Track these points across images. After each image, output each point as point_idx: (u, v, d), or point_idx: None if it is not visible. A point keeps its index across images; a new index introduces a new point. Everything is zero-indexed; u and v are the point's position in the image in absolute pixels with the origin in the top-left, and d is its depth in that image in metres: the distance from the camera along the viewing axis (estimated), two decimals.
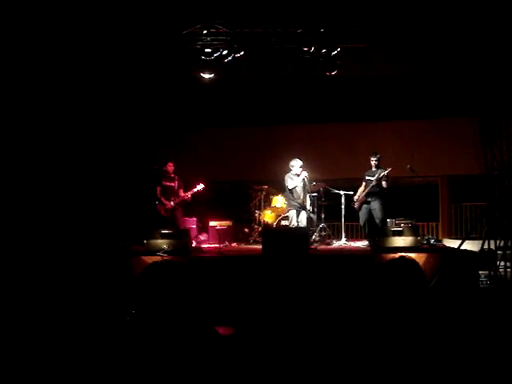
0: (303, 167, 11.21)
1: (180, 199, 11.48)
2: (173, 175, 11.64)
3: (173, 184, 11.58)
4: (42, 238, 9.98)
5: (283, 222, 11.96)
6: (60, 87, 10.77)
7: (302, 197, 11.29)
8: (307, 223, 11.25)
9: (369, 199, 10.95)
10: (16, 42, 9.64)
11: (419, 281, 8.81)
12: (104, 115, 12.13)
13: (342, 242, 12.00)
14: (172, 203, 11.43)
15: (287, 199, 11.64)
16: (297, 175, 11.17)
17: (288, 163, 11.46)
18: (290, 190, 11.32)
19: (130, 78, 12.06)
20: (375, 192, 10.89)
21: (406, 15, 9.82)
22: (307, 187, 11.29)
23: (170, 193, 11.53)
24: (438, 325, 7.89)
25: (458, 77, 11.66)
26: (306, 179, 11.15)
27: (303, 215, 11.30)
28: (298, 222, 11.24)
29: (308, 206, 11.69)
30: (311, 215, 11.91)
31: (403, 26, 10.05)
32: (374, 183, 10.79)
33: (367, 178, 11.08)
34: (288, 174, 11.34)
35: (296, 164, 11.22)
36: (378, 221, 10.85)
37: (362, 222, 11.25)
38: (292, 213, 11.34)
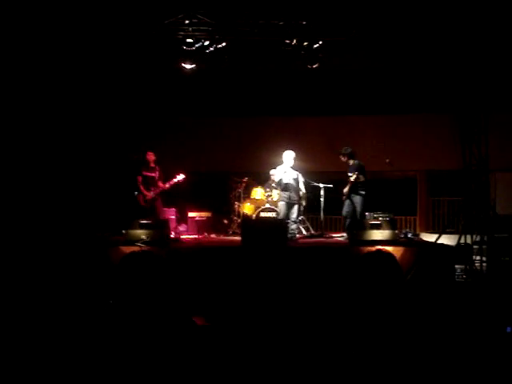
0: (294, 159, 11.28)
1: (160, 189, 11.46)
2: (153, 165, 11.61)
3: (153, 174, 11.54)
4: (20, 227, 9.92)
5: (263, 214, 11.98)
6: (39, 74, 10.66)
7: (291, 192, 11.26)
8: (296, 213, 11.30)
9: (352, 194, 10.95)
10: None
11: (395, 274, 8.89)
12: (84, 104, 12.04)
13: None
14: (152, 193, 11.40)
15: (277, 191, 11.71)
16: (286, 169, 11.19)
17: (268, 155, 11.50)
18: (277, 182, 11.35)
19: (111, 66, 11.97)
20: (356, 189, 10.88)
21: (387, 10, 9.85)
22: (299, 184, 11.40)
23: (150, 183, 11.50)
24: (413, 317, 7.96)
25: (438, 73, 11.75)
26: (298, 177, 11.24)
27: (295, 209, 11.27)
28: (286, 214, 11.20)
29: (303, 202, 11.84)
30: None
31: (384, 21, 10.07)
32: (352, 178, 10.79)
33: (348, 174, 11.08)
34: (278, 167, 11.35)
35: (286, 155, 11.21)
36: (358, 214, 10.87)
37: (344, 213, 11.20)
38: (281, 204, 11.31)
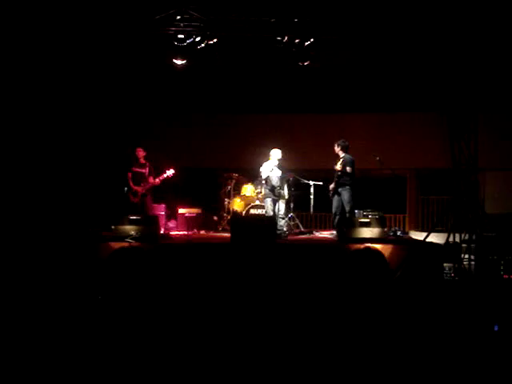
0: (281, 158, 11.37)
1: (150, 185, 11.43)
2: (143, 161, 11.58)
3: (143, 170, 11.52)
4: (11, 222, 9.88)
5: (253, 211, 12.00)
6: (32, 70, 10.63)
7: (277, 186, 11.32)
8: (284, 211, 11.36)
9: (339, 189, 10.96)
10: None
11: (384, 271, 8.92)
12: (76, 100, 12.00)
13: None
14: (142, 189, 11.38)
15: (264, 188, 11.73)
16: (272, 166, 11.27)
17: (259, 152, 11.52)
18: (263, 179, 11.40)
19: (103, 62, 11.93)
20: (344, 181, 10.90)
21: (379, 9, 9.86)
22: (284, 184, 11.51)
23: (140, 179, 11.48)
24: (401, 315, 7.99)
25: (428, 72, 11.77)
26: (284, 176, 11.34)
27: (281, 205, 11.36)
28: (273, 211, 11.26)
29: (286, 196, 11.86)
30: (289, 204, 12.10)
31: (376, 20, 10.08)
32: (338, 168, 10.80)
33: (335, 167, 11.10)
34: (265, 163, 11.40)
35: (273, 153, 11.31)
36: (346, 209, 10.88)
37: (333, 209, 11.23)
38: (267, 201, 11.37)
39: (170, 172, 11.37)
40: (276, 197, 11.32)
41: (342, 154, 11.01)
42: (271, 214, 11.18)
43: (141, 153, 11.57)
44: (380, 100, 13.99)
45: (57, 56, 10.81)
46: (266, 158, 11.55)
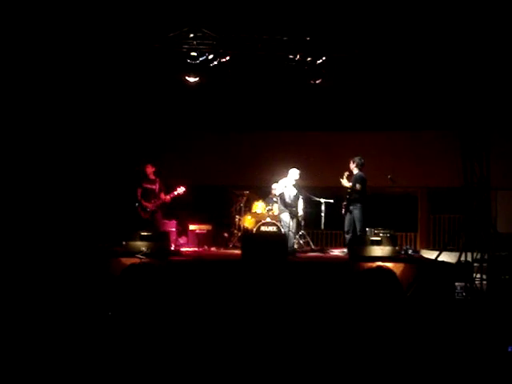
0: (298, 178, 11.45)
1: (160, 202, 11.44)
2: (153, 178, 11.59)
3: (153, 187, 11.53)
4: (23, 236, 9.91)
5: (263, 228, 11.97)
6: (44, 87, 10.70)
7: (290, 204, 11.35)
8: (295, 228, 11.35)
9: (350, 206, 10.96)
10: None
11: (396, 291, 8.87)
12: (87, 116, 12.07)
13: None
14: (152, 205, 11.39)
15: (278, 204, 11.76)
16: (287, 184, 11.30)
17: (270, 169, 11.54)
18: (278, 195, 11.43)
19: (115, 79, 12.01)
20: (355, 199, 10.90)
21: (390, 28, 9.89)
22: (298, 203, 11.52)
23: (150, 195, 11.49)
24: (413, 335, 7.94)
25: (440, 90, 11.77)
26: (298, 196, 11.33)
27: (295, 222, 11.38)
28: (288, 226, 11.24)
29: (300, 213, 11.86)
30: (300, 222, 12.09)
31: (387, 38, 10.11)
32: (345, 186, 10.81)
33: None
34: (280, 180, 11.43)
35: (291, 173, 11.36)
36: (358, 227, 10.86)
37: (346, 228, 11.21)
38: (284, 216, 11.40)
39: (181, 190, 11.38)
40: (290, 214, 11.32)
41: (355, 171, 11.02)
42: (287, 229, 11.15)
43: (150, 169, 11.57)
44: (391, 118, 13.97)
45: (73, 72, 10.89)
46: (277, 175, 11.56)
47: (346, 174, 10.90)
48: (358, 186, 10.73)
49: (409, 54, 10.48)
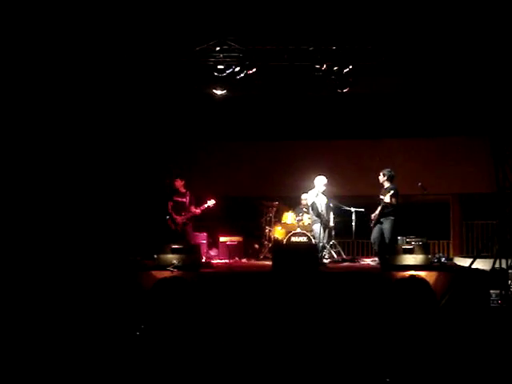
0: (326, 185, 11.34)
1: (190, 214, 11.49)
2: (184, 191, 11.64)
3: (184, 200, 11.58)
4: (55, 251, 10.02)
5: (294, 239, 11.94)
6: (77, 101, 10.85)
7: (322, 213, 11.32)
8: (326, 238, 11.29)
9: (381, 219, 10.89)
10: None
11: (430, 300, 8.77)
12: (117, 129, 12.19)
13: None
14: (183, 218, 11.45)
15: (311, 214, 11.76)
16: (317, 193, 11.26)
17: (299, 179, 11.52)
18: (310, 205, 11.40)
19: (145, 93, 12.16)
20: (387, 213, 10.82)
21: (418, 34, 9.83)
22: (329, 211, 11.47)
23: (181, 208, 11.54)
24: (448, 344, 7.83)
25: (470, 95, 11.65)
26: (329, 203, 11.27)
27: (326, 233, 11.34)
28: (322, 236, 11.21)
29: (331, 223, 11.80)
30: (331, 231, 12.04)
31: (415, 45, 10.05)
32: (385, 202, 10.72)
33: (380, 196, 11.04)
34: (310, 191, 11.43)
35: (317, 180, 11.30)
36: (387, 240, 10.77)
37: (372, 239, 11.17)
38: (316, 227, 11.40)
39: (211, 202, 11.41)
40: (323, 223, 11.27)
41: (387, 184, 10.93)
42: (319, 239, 11.12)
43: (179, 183, 11.61)
44: (421, 125, 13.83)
45: (103, 86, 11.03)
46: (307, 184, 11.54)
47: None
48: (393, 200, 10.62)
49: (436, 60, 10.42)
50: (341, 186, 12.97)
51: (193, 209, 11.48)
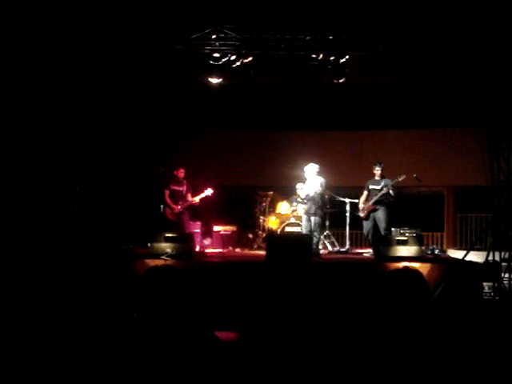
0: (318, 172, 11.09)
1: (188, 203, 11.46)
2: (181, 180, 11.61)
3: (181, 188, 11.54)
4: (45, 239, 9.98)
5: (288, 229, 11.93)
6: (69, 91, 10.76)
7: (310, 204, 11.16)
8: (316, 229, 11.10)
9: (377, 207, 10.92)
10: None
11: (423, 291, 8.77)
12: (111, 118, 12.13)
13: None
14: (179, 207, 11.41)
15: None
16: (308, 181, 11.07)
17: (294, 169, 11.46)
18: (303, 197, 11.27)
19: (139, 81, 12.10)
20: (382, 201, 10.86)
21: (414, 24, 9.79)
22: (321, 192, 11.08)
23: (178, 197, 11.50)
24: (440, 336, 7.84)
25: (465, 87, 11.65)
26: (321, 185, 10.94)
27: (313, 221, 11.11)
28: (307, 226, 11.06)
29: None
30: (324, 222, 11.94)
31: (411, 35, 10.01)
32: (384, 191, 10.74)
33: (371, 187, 11.04)
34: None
35: (306, 169, 11.08)
36: (381, 230, 10.81)
37: (365, 231, 11.21)
38: (312, 218, 11.10)
39: (209, 191, 11.37)
40: (307, 213, 11.03)
41: (380, 177, 10.99)
42: (305, 229, 11.01)
43: (182, 173, 11.55)
44: (415, 116, 13.84)
45: (95, 74, 10.95)
46: (301, 175, 11.46)
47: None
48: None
49: (434, 51, 10.38)
50: (335, 176, 12.94)
51: (190, 198, 11.45)
